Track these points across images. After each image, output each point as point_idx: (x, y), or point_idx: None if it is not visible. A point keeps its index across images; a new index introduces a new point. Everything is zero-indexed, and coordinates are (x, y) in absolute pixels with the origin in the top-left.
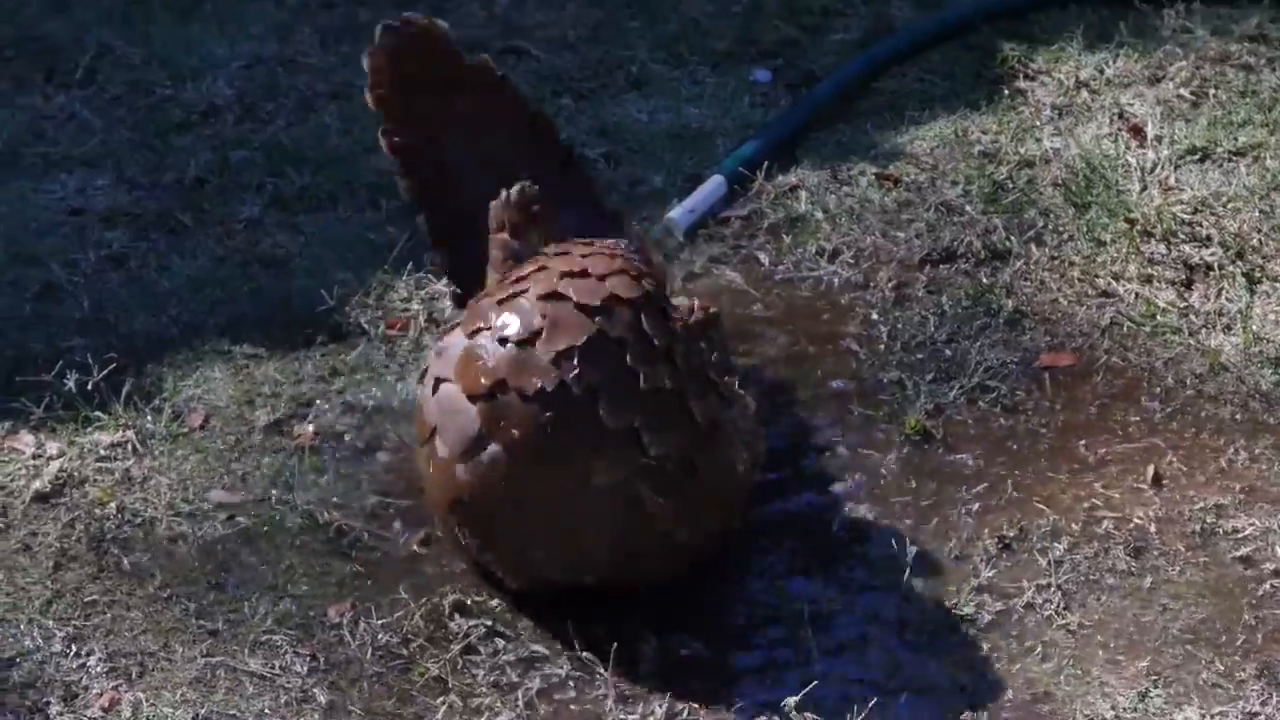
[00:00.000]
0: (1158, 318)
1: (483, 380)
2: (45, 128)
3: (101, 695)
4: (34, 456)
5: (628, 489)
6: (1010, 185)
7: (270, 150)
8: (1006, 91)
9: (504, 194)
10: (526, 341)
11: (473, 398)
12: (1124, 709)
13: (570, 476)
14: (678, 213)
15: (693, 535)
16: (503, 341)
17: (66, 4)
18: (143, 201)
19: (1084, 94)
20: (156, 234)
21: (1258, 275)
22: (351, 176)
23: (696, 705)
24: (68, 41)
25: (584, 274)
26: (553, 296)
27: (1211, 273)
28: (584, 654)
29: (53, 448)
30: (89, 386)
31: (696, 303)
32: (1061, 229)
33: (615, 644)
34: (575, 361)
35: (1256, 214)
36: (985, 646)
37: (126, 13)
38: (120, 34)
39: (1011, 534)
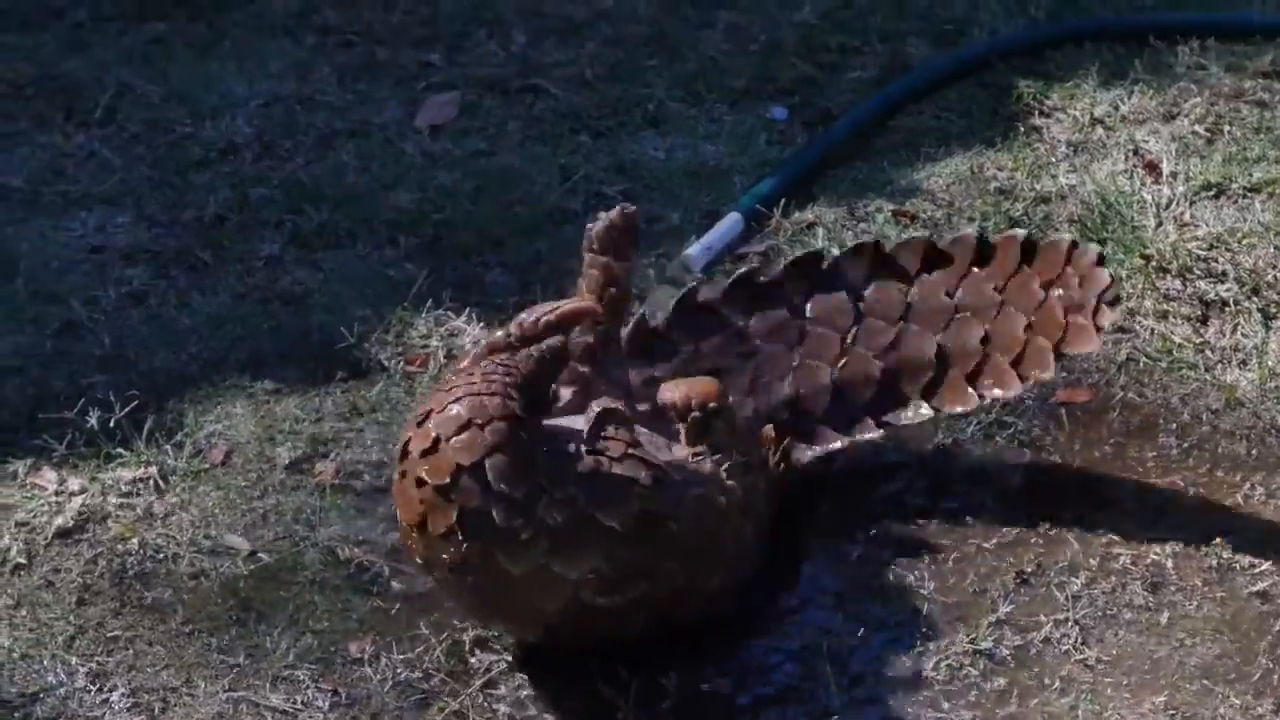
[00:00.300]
0: (1174, 353)
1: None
2: (65, 166)
3: None
4: (56, 493)
5: (574, 602)
6: (1026, 221)
7: (289, 188)
8: (1022, 128)
9: (604, 216)
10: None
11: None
12: None
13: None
14: (695, 250)
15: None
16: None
17: (86, 43)
18: (162, 239)
19: (1099, 130)
20: (176, 271)
21: (1273, 311)
22: (370, 214)
23: None
24: (88, 80)
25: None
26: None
27: (1227, 308)
28: (605, 689)
29: (75, 484)
30: (110, 423)
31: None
32: None
33: (635, 680)
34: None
35: (1271, 250)
36: (1003, 681)
37: (146, 51)
38: (140, 73)
39: (1029, 569)
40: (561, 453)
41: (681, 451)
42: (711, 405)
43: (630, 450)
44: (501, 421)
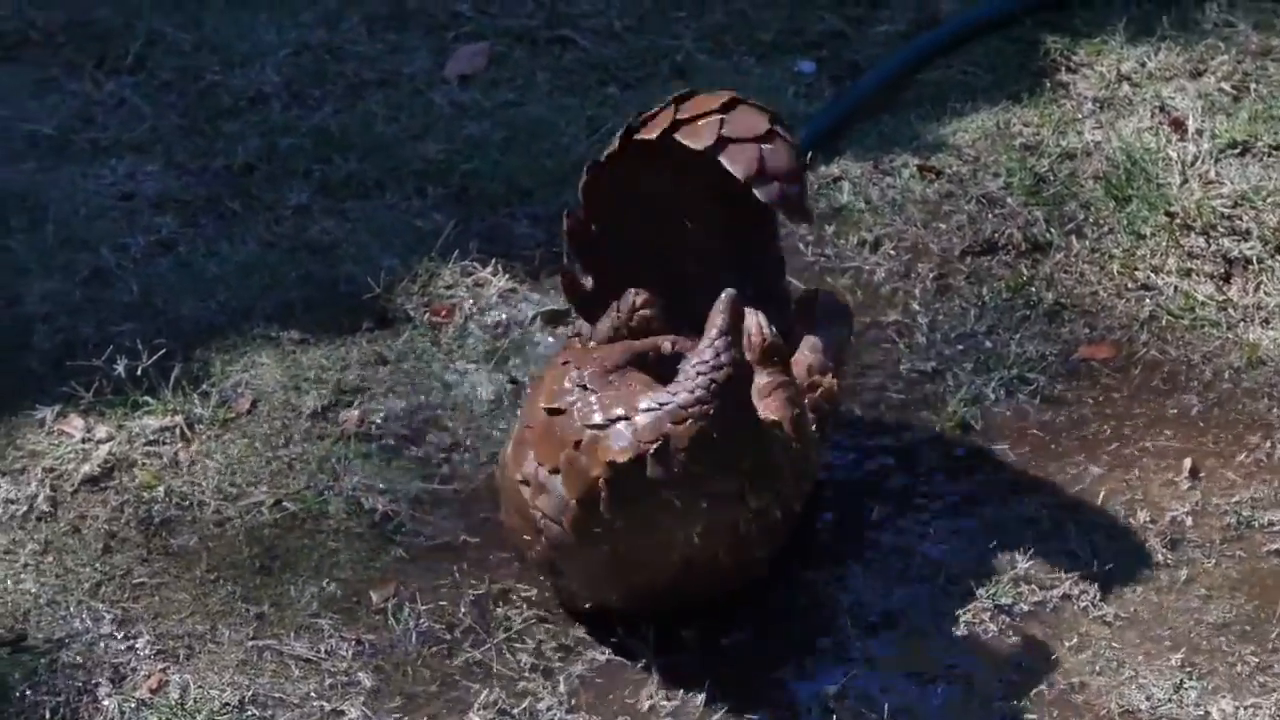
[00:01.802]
0: (1196, 311)
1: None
2: (96, 114)
3: (150, 677)
4: (83, 440)
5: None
6: (1051, 178)
7: (318, 137)
8: (1048, 84)
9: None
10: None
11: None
12: (1159, 700)
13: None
14: None
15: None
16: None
17: None
18: (192, 187)
19: (1125, 87)
20: (205, 219)
21: None
22: (398, 163)
23: (736, 692)
24: (118, 28)
25: None
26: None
27: (1250, 266)
28: (627, 640)
29: (102, 431)
30: (138, 371)
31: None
32: (1102, 222)
33: (654, 631)
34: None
35: None
36: (1021, 637)
37: None
38: (170, 20)
39: (1048, 526)
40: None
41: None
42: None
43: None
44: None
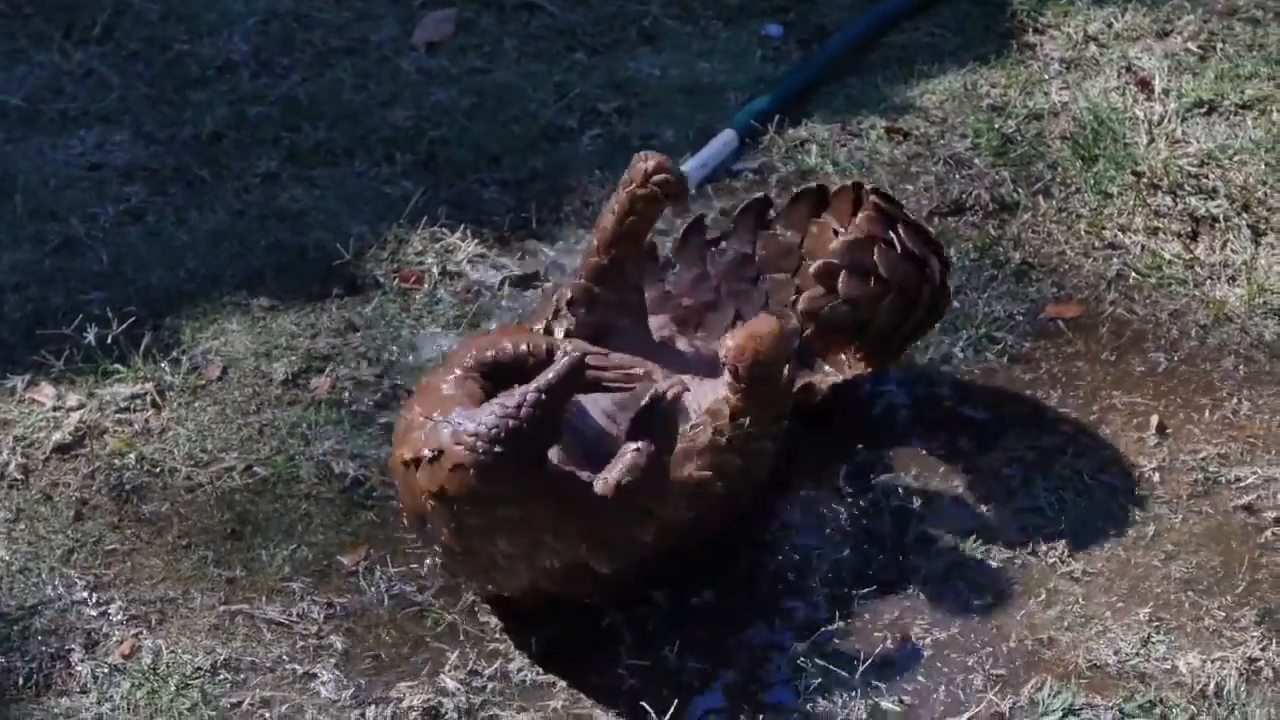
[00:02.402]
0: (1163, 269)
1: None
2: (64, 84)
3: (122, 642)
4: (54, 408)
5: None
6: (1019, 138)
7: (286, 105)
8: (1015, 45)
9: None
10: None
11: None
12: (1127, 654)
13: None
14: (690, 166)
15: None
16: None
17: None
18: (160, 156)
19: (1092, 48)
20: (174, 188)
21: (1263, 228)
22: (366, 131)
23: (706, 651)
24: None
25: None
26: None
27: (1217, 225)
28: (596, 600)
29: (73, 399)
30: (108, 339)
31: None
32: (1069, 181)
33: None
34: None
35: (1262, 167)
36: (990, 594)
37: None
38: None
39: (1016, 483)
40: (569, 502)
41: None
42: (764, 358)
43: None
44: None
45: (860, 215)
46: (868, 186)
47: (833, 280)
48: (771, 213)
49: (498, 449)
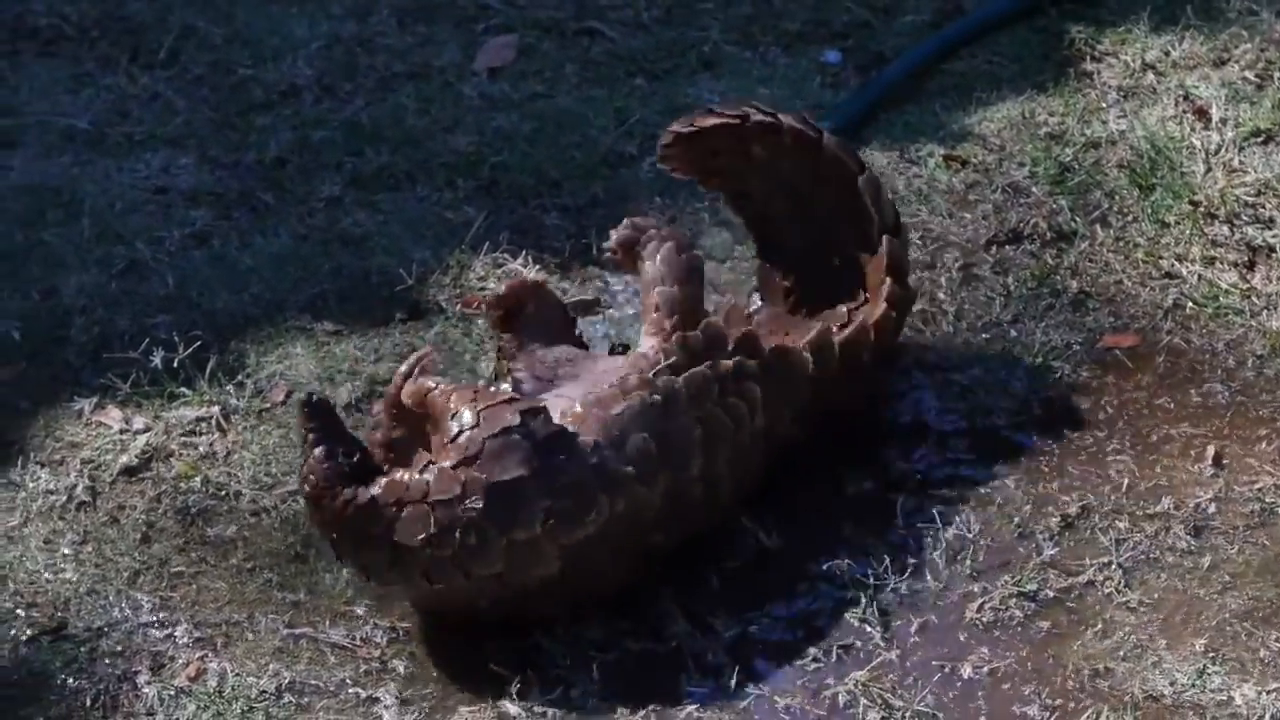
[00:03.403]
0: (1220, 299)
1: None
2: (130, 107)
3: (188, 665)
4: (121, 431)
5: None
6: (1076, 167)
7: (349, 130)
8: (1073, 73)
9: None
10: None
11: None
12: (1182, 685)
13: None
14: None
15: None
16: None
17: None
18: (225, 181)
19: (1150, 76)
20: (238, 212)
21: None
22: (428, 156)
23: (766, 680)
24: (152, 22)
25: None
26: None
27: (1274, 254)
28: (659, 628)
29: (139, 422)
30: (174, 363)
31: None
32: (1126, 210)
33: (686, 618)
34: None
35: None
36: (1046, 623)
37: None
38: (203, 14)
39: (1073, 512)
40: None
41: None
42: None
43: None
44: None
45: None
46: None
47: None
48: None
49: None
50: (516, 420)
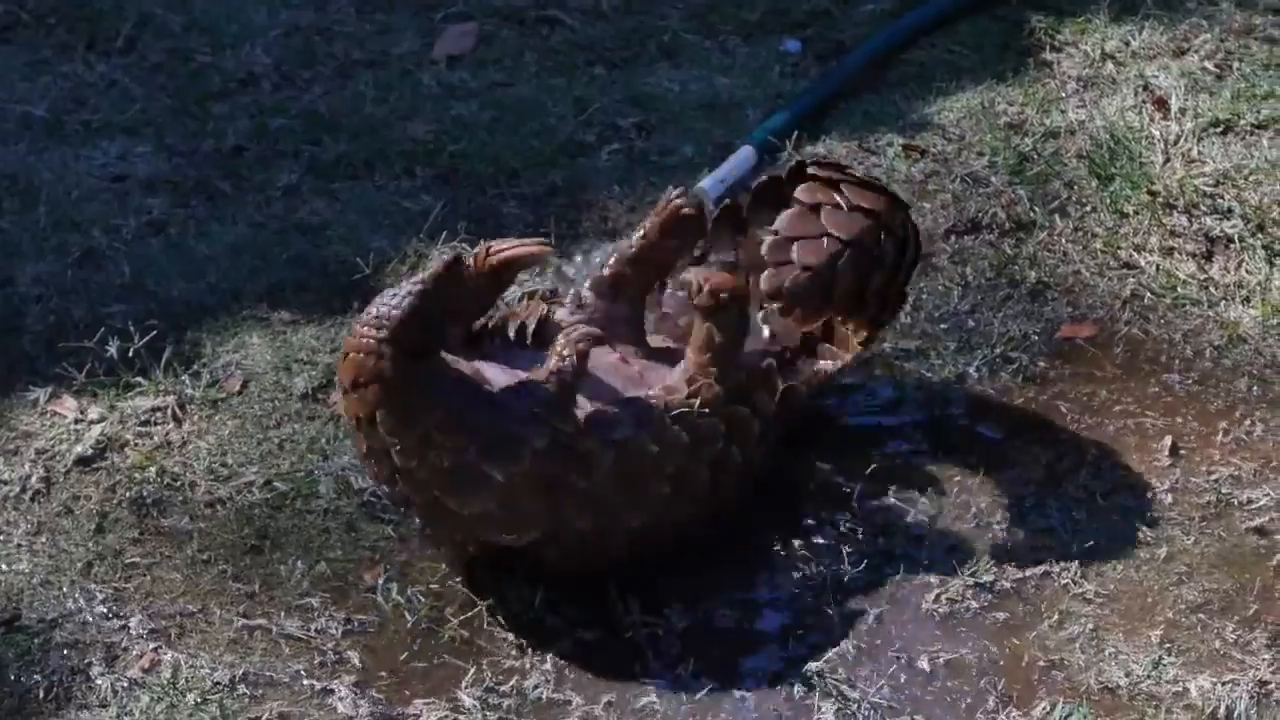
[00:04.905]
0: (1178, 289)
1: None
2: (87, 95)
3: (142, 656)
4: (76, 421)
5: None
6: (1035, 157)
7: (307, 118)
8: (1033, 63)
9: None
10: None
11: None
12: (1138, 676)
13: None
14: (708, 182)
15: None
16: None
17: None
18: (182, 169)
19: (1109, 66)
20: (196, 201)
21: (1278, 248)
22: (386, 145)
23: (722, 668)
24: (109, 9)
25: None
26: None
27: (1232, 245)
28: (613, 617)
29: (94, 412)
30: (129, 352)
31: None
32: (1085, 200)
33: (641, 607)
34: None
35: (1278, 187)
36: (1003, 614)
37: None
38: (160, 1)
39: (1030, 503)
40: (460, 399)
41: (658, 381)
42: (724, 294)
43: (536, 409)
44: (376, 384)
45: (800, 188)
46: (810, 159)
47: (786, 252)
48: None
49: (381, 333)
50: None
